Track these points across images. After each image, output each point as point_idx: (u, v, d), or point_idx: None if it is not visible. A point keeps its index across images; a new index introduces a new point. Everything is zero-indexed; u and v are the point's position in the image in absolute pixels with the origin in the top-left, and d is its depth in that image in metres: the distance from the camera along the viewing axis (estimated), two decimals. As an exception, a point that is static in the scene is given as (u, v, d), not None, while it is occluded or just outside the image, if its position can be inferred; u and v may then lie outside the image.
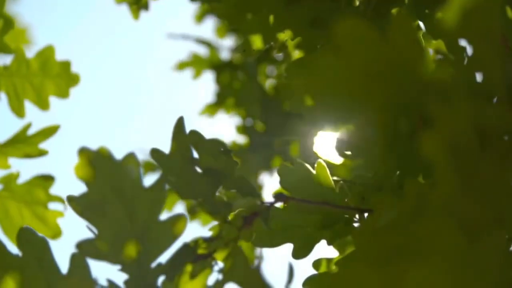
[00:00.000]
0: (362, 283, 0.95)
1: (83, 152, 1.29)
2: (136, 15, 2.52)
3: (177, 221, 1.32)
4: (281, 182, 1.60)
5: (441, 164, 0.87)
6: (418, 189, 0.90)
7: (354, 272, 0.95)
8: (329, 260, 1.78)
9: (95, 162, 1.29)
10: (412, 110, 0.95)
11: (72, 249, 1.35)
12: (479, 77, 0.92)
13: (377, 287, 0.94)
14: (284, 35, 1.79)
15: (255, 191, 1.44)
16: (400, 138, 1.16)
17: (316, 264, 1.77)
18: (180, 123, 1.46)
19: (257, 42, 1.78)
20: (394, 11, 1.72)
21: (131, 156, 1.30)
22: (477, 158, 0.88)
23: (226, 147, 1.48)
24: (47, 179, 2.22)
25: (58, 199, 2.22)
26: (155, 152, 1.43)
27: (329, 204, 1.55)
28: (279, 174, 1.60)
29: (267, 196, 1.48)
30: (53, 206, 2.22)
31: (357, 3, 1.78)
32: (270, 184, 3.86)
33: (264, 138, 3.61)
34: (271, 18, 1.77)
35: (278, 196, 1.47)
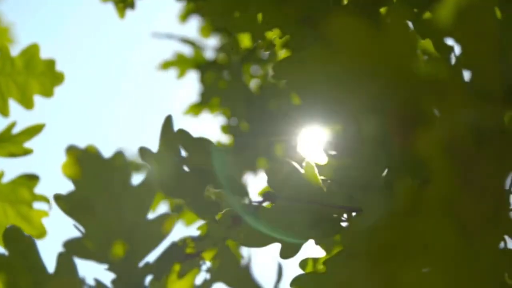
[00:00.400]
0: (353, 282, 0.94)
1: (71, 150, 1.27)
2: (122, 13, 2.51)
3: (165, 220, 1.31)
4: (268, 181, 1.59)
5: (437, 163, 0.87)
6: (412, 188, 0.90)
7: (345, 271, 0.94)
8: (315, 260, 1.78)
9: (83, 160, 1.28)
10: (405, 108, 0.95)
11: (57, 249, 1.34)
12: (473, 76, 0.92)
13: (369, 286, 0.93)
14: (272, 34, 1.78)
15: (244, 190, 1.43)
16: (390, 136, 1.15)
17: (303, 264, 1.76)
18: (168, 121, 1.45)
19: (245, 40, 1.77)
20: (382, 10, 1.72)
21: (119, 155, 1.29)
22: (472, 158, 0.88)
23: (214, 146, 1.47)
24: (31, 179, 2.20)
25: (43, 198, 2.21)
26: (143, 151, 1.42)
27: (318, 203, 1.54)
28: (267, 173, 1.59)
29: (252, 196, 1.47)
30: (37, 205, 2.20)
31: (345, 1, 1.77)
32: (254, 184, 3.85)
33: (249, 138, 3.60)
34: (259, 16, 1.76)
35: (266, 195, 1.46)
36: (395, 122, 0.92)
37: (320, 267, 1.76)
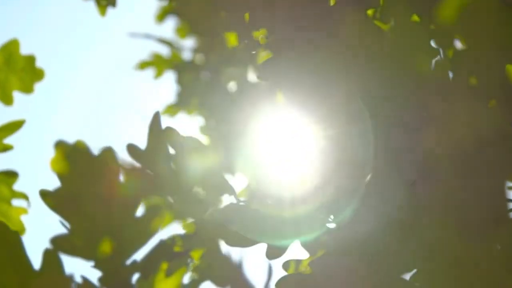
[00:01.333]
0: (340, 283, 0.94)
1: (60, 145, 1.26)
2: (103, 11, 2.49)
3: (154, 218, 1.30)
4: (255, 181, 1.58)
5: (441, 163, 0.87)
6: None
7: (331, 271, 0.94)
8: (298, 262, 1.77)
9: (72, 156, 1.27)
10: (408, 105, 0.94)
11: (36, 246, 1.33)
12: (476, 78, 0.92)
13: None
14: (259, 33, 1.77)
15: (232, 189, 1.43)
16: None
17: (285, 265, 1.76)
18: (156, 118, 1.44)
19: (231, 39, 1.76)
20: (369, 12, 1.72)
21: (108, 151, 1.28)
22: (473, 159, 0.88)
23: (202, 145, 1.46)
24: (10, 175, 2.18)
25: (22, 195, 2.19)
26: (131, 148, 1.40)
27: (304, 203, 1.53)
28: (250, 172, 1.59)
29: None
30: (16, 202, 2.18)
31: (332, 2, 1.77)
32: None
33: (227, 139, 3.58)
34: (247, 16, 1.75)
35: (252, 194, 1.45)
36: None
37: (303, 269, 1.76)
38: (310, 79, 1.54)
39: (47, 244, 1.35)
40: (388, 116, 0.95)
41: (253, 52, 1.82)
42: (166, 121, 3.66)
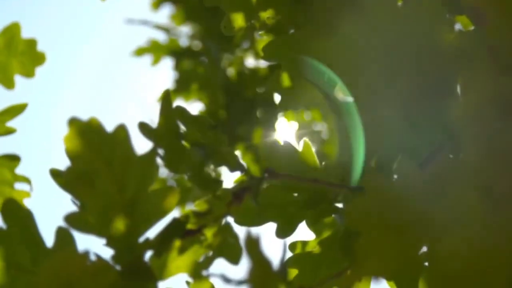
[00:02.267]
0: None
1: (73, 122, 1.25)
2: (103, -6, 2.47)
3: (168, 194, 1.29)
4: (264, 159, 1.57)
5: (466, 132, 0.86)
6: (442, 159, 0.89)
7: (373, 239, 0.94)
8: (304, 243, 1.78)
9: (85, 133, 1.26)
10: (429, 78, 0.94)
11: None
12: (499, 48, 0.92)
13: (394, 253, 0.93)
14: (266, 14, 1.77)
15: (243, 166, 1.42)
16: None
17: (292, 246, 1.76)
18: (166, 96, 1.43)
19: (238, 20, 1.76)
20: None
21: (122, 128, 1.27)
22: (499, 128, 0.87)
23: (212, 123, 1.45)
24: (13, 159, 2.17)
25: (24, 179, 2.18)
26: (142, 126, 1.39)
27: (321, 182, 1.53)
28: (263, 151, 1.58)
29: (229, 185, 1.45)
30: (19, 186, 2.17)
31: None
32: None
33: (227, 125, 3.58)
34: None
35: (269, 171, 1.45)
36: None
37: (309, 249, 1.76)
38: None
39: (47, 226, 1.35)
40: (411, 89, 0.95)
41: (260, 33, 1.81)
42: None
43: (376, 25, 0.93)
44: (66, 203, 1.31)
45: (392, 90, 1.00)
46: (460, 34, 0.91)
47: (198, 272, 1.35)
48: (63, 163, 1.30)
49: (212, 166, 1.40)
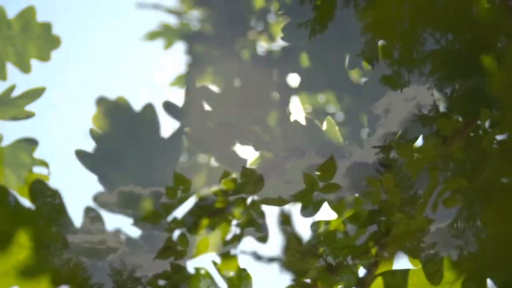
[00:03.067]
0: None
1: (102, 102, 1.25)
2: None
3: (194, 174, 1.29)
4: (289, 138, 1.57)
5: (508, 100, 0.86)
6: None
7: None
8: (327, 222, 1.77)
9: (114, 112, 1.26)
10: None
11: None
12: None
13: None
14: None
15: (269, 145, 1.42)
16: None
17: (315, 226, 1.75)
18: (191, 76, 1.43)
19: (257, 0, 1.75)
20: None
21: (149, 107, 1.27)
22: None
23: (238, 103, 1.45)
24: (31, 143, 2.17)
25: (42, 163, 2.18)
26: (168, 105, 1.39)
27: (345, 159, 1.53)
28: (285, 130, 1.58)
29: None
30: (37, 170, 2.17)
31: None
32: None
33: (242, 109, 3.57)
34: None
35: (296, 150, 1.44)
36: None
37: (332, 228, 1.75)
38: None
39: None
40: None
41: (280, 12, 1.80)
42: (176, 93, 3.65)
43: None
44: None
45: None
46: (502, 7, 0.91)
47: (225, 250, 1.35)
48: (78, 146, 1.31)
49: (238, 145, 1.40)
